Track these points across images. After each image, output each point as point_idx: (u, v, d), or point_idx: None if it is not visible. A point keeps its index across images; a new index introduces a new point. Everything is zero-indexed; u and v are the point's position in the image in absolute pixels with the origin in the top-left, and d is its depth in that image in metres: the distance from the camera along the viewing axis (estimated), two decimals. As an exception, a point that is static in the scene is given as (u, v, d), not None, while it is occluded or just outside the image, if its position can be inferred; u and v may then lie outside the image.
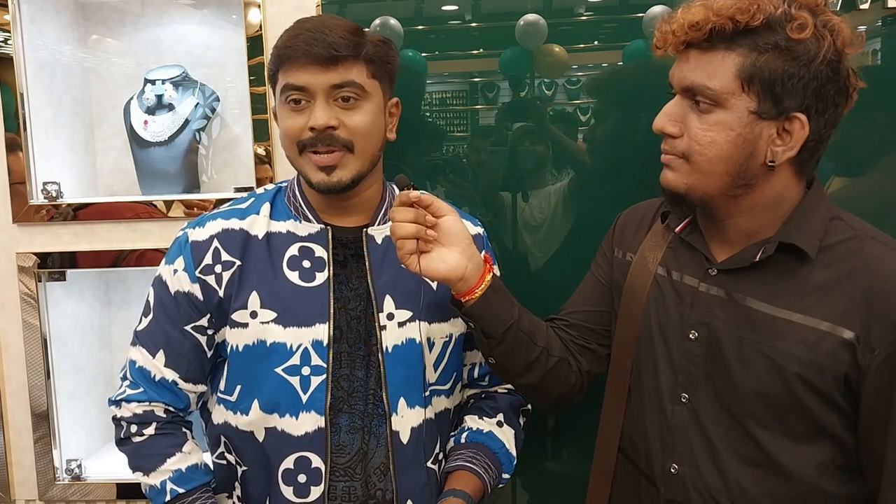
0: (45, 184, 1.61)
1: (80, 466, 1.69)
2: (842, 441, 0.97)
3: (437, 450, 1.22)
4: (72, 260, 1.61)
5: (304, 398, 1.13)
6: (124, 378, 1.21)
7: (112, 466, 1.72)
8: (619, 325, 1.15)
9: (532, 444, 1.39)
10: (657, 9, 1.39)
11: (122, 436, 1.20)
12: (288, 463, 1.14)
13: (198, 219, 1.20)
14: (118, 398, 1.20)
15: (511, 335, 1.09)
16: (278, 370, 1.13)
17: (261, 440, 1.15)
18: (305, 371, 1.13)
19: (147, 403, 1.18)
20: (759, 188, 0.97)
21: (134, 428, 1.18)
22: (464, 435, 1.26)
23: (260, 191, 1.26)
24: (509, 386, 1.31)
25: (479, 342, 1.12)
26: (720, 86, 0.93)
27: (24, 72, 1.57)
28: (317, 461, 1.14)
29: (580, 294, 1.25)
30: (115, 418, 1.21)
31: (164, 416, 1.19)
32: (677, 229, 1.10)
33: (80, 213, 1.60)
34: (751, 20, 0.90)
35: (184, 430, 1.22)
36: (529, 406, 1.35)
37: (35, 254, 1.61)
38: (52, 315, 1.66)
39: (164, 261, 1.20)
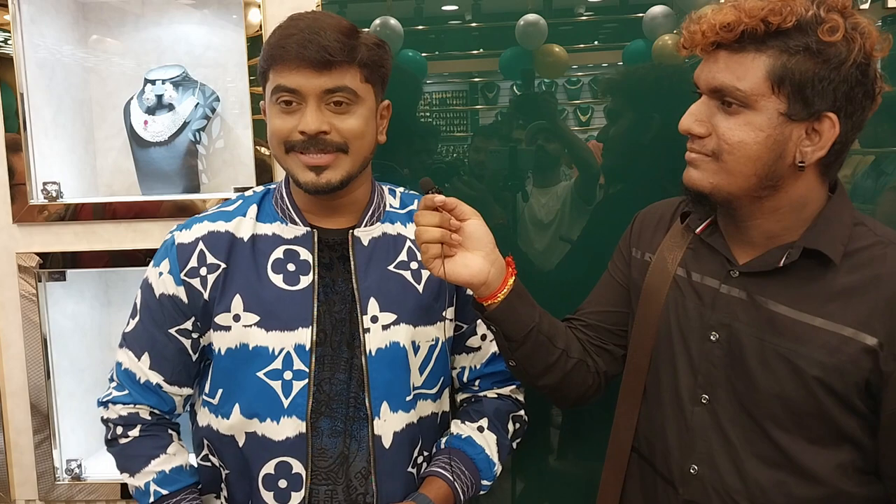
0: (45, 184, 1.61)
1: (80, 466, 1.69)
2: (861, 445, 0.96)
3: (417, 454, 1.21)
4: (72, 260, 1.61)
5: (286, 403, 1.12)
6: (111, 380, 1.21)
7: (111, 466, 1.71)
8: (636, 326, 1.14)
9: (542, 442, 1.38)
10: (657, 9, 1.38)
11: (109, 437, 1.21)
12: (268, 468, 1.13)
13: (186, 221, 1.20)
14: (105, 399, 1.20)
15: (532, 338, 1.08)
16: (260, 374, 1.12)
17: (241, 444, 1.15)
18: (287, 376, 1.12)
19: (132, 406, 1.18)
20: (784, 190, 0.96)
21: (120, 429, 1.18)
22: (443, 440, 1.25)
23: (249, 193, 1.24)
24: (500, 391, 1.30)
25: (500, 345, 1.11)
26: (750, 87, 0.91)
27: (24, 72, 1.57)
28: (297, 466, 1.13)
29: (597, 294, 1.24)
30: (102, 419, 1.21)
31: (149, 418, 1.19)
32: (698, 230, 1.09)
33: (80, 213, 1.59)
34: (783, 22, 0.89)
35: (169, 431, 1.22)
36: (522, 412, 1.31)
37: (35, 254, 1.61)
38: (52, 315, 1.66)
39: (151, 263, 1.19)
